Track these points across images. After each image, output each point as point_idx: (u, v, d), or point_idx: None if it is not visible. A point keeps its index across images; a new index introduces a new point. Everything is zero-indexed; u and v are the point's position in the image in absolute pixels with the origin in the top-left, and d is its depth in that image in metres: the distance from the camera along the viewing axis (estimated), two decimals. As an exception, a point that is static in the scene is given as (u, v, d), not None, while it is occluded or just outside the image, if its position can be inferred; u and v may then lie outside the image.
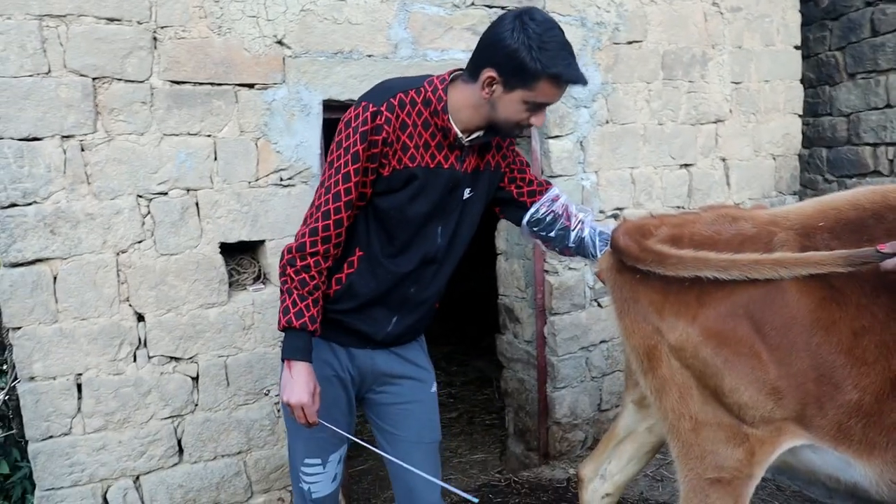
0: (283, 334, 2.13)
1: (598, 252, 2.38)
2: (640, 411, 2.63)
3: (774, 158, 4.87)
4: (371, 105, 2.04)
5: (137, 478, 3.15)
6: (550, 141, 4.00)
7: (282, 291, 2.13)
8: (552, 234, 2.43)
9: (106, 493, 3.10)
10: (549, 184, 2.49)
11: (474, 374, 6.32)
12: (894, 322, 1.94)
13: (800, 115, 4.97)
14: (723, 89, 4.58)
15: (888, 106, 4.84)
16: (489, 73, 2.01)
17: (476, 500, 2.10)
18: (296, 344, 2.08)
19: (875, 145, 4.96)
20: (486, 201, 2.37)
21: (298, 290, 2.09)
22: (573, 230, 2.42)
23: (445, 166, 2.16)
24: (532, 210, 2.41)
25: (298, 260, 2.10)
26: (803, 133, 5.11)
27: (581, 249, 2.42)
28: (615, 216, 4.22)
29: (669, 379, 2.09)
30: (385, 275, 2.21)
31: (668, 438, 2.16)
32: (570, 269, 4.14)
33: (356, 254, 2.21)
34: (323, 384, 2.22)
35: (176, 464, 3.23)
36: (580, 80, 2.01)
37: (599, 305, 4.27)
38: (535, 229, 2.44)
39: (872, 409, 1.96)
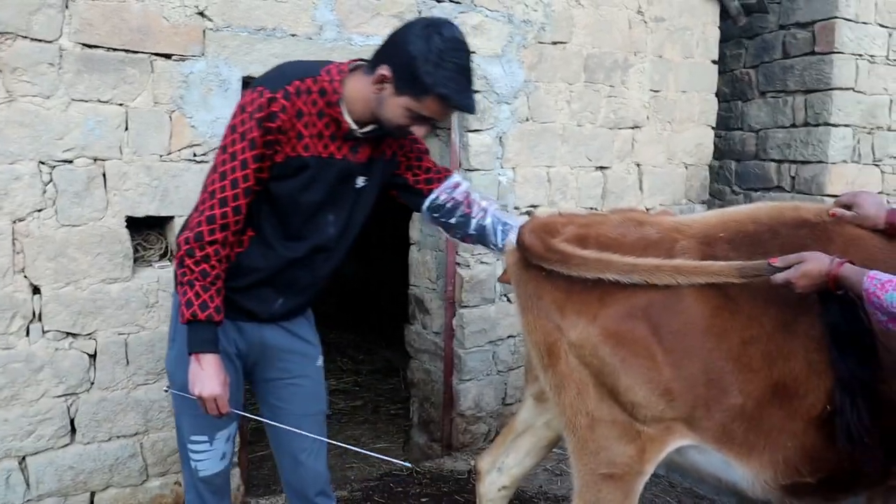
0: None
1: (499, 241, 2.39)
2: (538, 406, 2.68)
3: (686, 167, 5.03)
4: (266, 91, 2.03)
5: (23, 458, 3.02)
6: (470, 134, 4.02)
7: (181, 283, 2.08)
8: (452, 220, 2.42)
9: (-12, 471, 2.97)
10: (448, 171, 2.50)
11: (381, 363, 6.32)
12: (779, 333, 2.06)
13: (713, 128, 5.14)
14: (642, 96, 4.69)
15: (793, 125, 5.07)
16: (384, 71, 2.02)
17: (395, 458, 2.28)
18: (203, 336, 2.06)
19: (780, 161, 5.19)
20: (379, 190, 2.38)
21: (200, 280, 2.06)
22: (474, 218, 2.42)
23: (338, 157, 2.17)
24: (432, 197, 2.41)
25: (197, 250, 2.06)
26: (715, 145, 5.29)
27: (482, 238, 2.43)
28: (529, 213, 4.28)
29: (568, 376, 2.14)
30: (274, 258, 2.21)
31: (565, 434, 2.21)
32: (481, 262, 4.18)
33: (247, 234, 2.19)
34: None
35: (67, 444, 3.11)
36: (469, 108, 2.06)
37: (509, 300, 4.32)
38: (435, 215, 2.44)
39: (754, 414, 2.07)
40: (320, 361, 2.49)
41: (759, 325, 2.07)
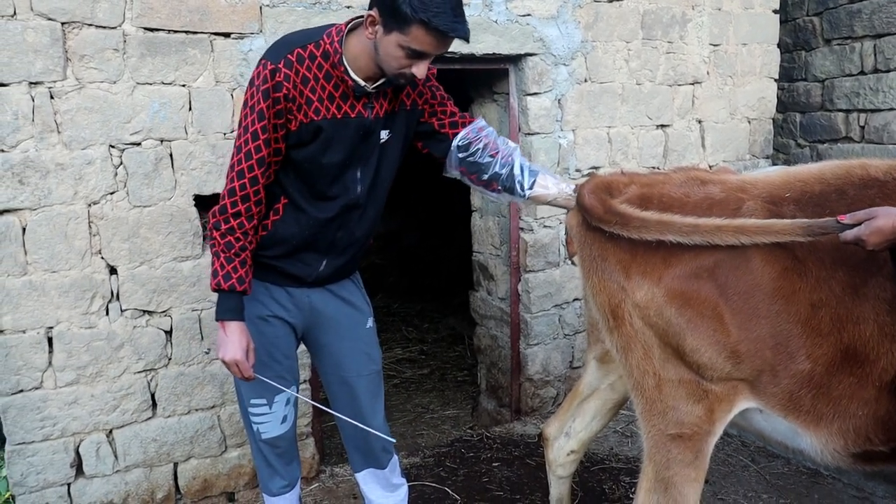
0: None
1: (527, 180, 2.37)
2: (601, 368, 2.68)
3: (749, 122, 4.90)
4: (269, 63, 2.08)
5: (110, 432, 3.17)
6: (528, 98, 3.99)
7: (213, 254, 2.19)
8: (482, 160, 2.38)
9: (79, 446, 3.12)
10: (472, 117, 2.48)
11: (446, 331, 6.37)
12: (849, 297, 2.00)
13: (775, 80, 4.98)
14: (701, 51, 4.57)
15: (862, 73, 4.86)
16: (371, 13, 2.04)
17: (393, 440, 2.50)
18: (227, 304, 2.17)
19: (847, 111, 5.00)
20: (406, 141, 2.39)
21: (225, 252, 2.16)
22: (502, 158, 2.39)
23: (353, 115, 2.20)
24: (460, 135, 2.39)
25: (223, 223, 2.16)
26: (778, 97, 5.12)
27: (509, 178, 2.37)
28: (591, 175, 4.23)
29: (633, 337, 2.13)
30: (308, 221, 2.28)
31: (633, 395, 2.21)
32: (544, 227, 4.16)
33: (281, 202, 2.28)
34: (261, 326, 2.34)
35: (149, 418, 3.24)
36: (454, 30, 2.00)
37: (573, 263, 4.30)
38: (462, 155, 2.40)
39: (822, 381, 2.03)
40: (370, 323, 2.56)
41: (828, 288, 2.01)
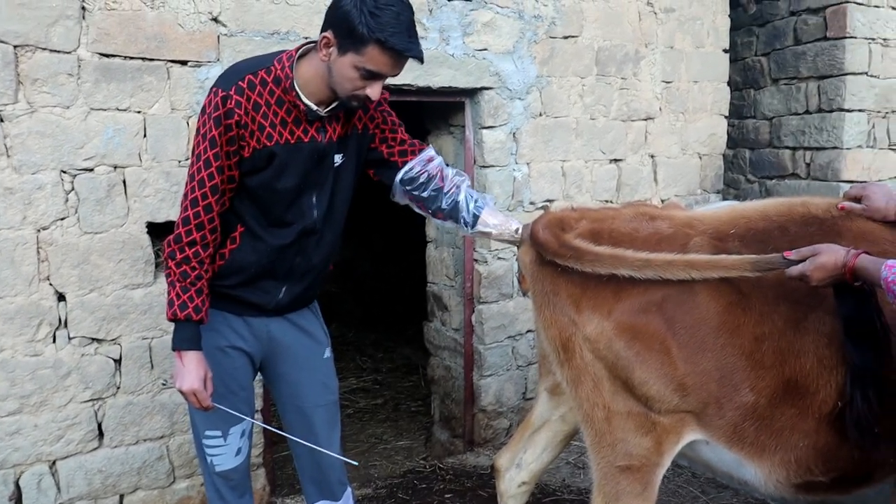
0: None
1: (470, 217, 2.40)
2: (552, 400, 2.71)
3: (700, 157, 5.02)
4: (220, 90, 2.09)
5: (54, 463, 3.08)
6: (484, 131, 4.04)
7: (168, 283, 2.18)
8: (425, 193, 2.42)
9: (19, 479, 3.02)
10: (423, 144, 2.51)
11: (401, 360, 6.35)
12: (790, 330, 2.07)
13: (726, 117, 5.12)
14: (654, 87, 4.69)
15: (807, 112, 5.03)
16: (326, 35, 2.06)
17: (356, 463, 2.41)
18: (184, 334, 2.16)
19: (794, 149, 5.16)
20: (359, 164, 2.41)
21: (181, 281, 2.15)
22: (447, 193, 2.42)
23: (306, 140, 2.20)
24: (406, 168, 2.42)
25: (178, 252, 2.15)
26: (728, 134, 5.27)
27: (454, 212, 2.42)
28: (545, 208, 4.29)
29: (584, 370, 2.16)
30: (265, 248, 2.27)
31: (583, 427, 2.24)
32: (498, 258, 4.20)
33: (237, 230, 2.27)
34: (218, 356, 2.31)
35: (95, 448, 3.17)
36: (409, 50, 2.03)
37: (526, 296, 4.34)
38: (408, 188, 2.44)
39: (765, 413, 2.09)
40: (328, 353, 2.56)
41: (771, 322, 2.08)
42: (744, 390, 2.08)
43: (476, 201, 2.43)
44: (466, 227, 2.42)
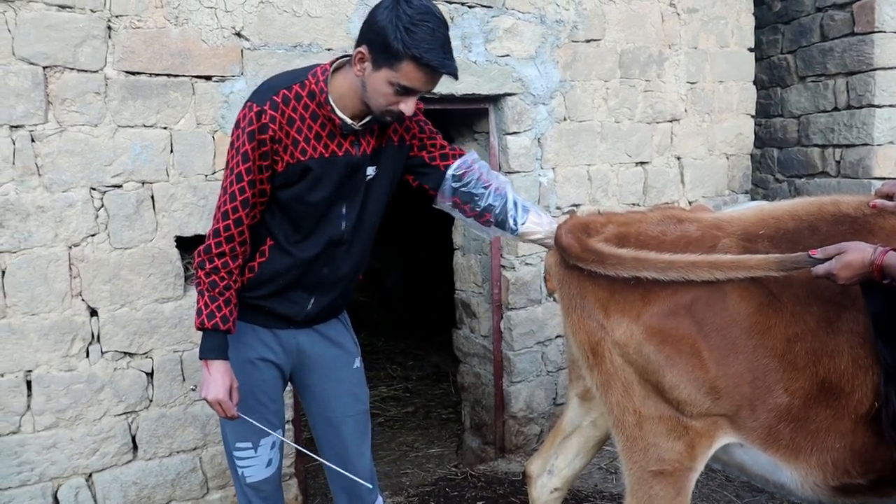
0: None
1: (520, 214, 2.38)
2: (583, 405, 2.69)
3: (727, 158, 4.97)
4: (255, 105, 2.10)
5: (90, 476, 3.12)
6: (508, 137, 4.04)
7: (197, 293, 2.21)
8: (476, 190, 2.39)
9: (56, 492, 3.06)
10: (463, 150, 2.49)
11: (430, 368, 6.35)
12: (823, 330, 2.03)
13: (752, 116, 5.07)
14: (678, 89, 4.65)
15: (836, 109, 4.96)
16: (361, 50, 2.06)
17: (370, 486, 2.47)
18: (211, 343, 2.18)
19: (823, 147, 5.09)
20: (394, 177, 2.40)
21: (210, 291, 2.17)
22: (496, 189, 2.40)
23: (340, 154, 2.21)
24: (455, 164, 2.40)
25: (207, 262, 2.17)
26: (755, 133, 5.21)
27: (503, 211, 2.39)
28: (571, 213, 4.27)
29: (613, 374, 2.14)
30: (294, 261, 2.28)
31: (614, 432, 2.22)
32: (526, 264, 4.19)
33: (267, 243, 2.29)
34: (248, 368, 2.33)
35: (130, 461, 3.20)
36: (444, 66, 2.03)
37: (555, 300, 4.32)
38: (456, 185, 2.40)
39: (800, 414, 2.05)
40: (358, 363, 2.56)
41: (803, 322, 2.05)
42: (777, 392, 2.04)
43: (523, 202, 2.43)
44: (515, 225, 2.39)
